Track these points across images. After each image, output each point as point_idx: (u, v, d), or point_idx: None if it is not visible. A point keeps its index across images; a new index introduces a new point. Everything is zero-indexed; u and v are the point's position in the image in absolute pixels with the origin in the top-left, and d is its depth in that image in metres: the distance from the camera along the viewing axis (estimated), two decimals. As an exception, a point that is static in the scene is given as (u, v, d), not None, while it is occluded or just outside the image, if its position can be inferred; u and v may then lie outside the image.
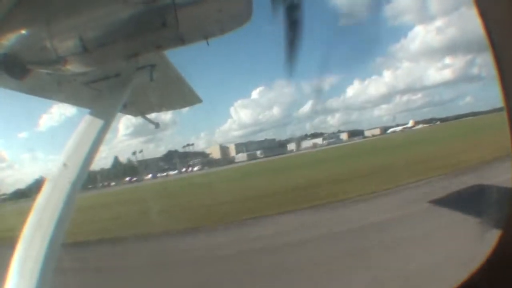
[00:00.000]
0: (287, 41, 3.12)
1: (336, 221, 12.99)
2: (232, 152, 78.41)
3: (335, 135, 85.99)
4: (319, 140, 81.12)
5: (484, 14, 1.90)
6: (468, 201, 9.81)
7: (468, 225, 7.54)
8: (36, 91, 3.70)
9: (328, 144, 77.72)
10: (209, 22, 2.88)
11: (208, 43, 3.04)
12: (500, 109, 2.07)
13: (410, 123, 78.57)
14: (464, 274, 2.13)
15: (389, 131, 78.27)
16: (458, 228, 7.89)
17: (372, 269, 7.25)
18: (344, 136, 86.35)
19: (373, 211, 13.17)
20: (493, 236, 2.06)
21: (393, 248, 7.99)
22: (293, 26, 3.14)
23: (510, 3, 1.74)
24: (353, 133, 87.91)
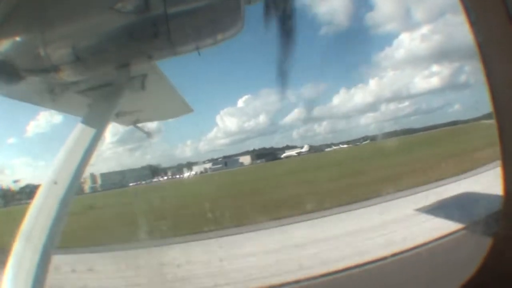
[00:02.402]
0: (281, 48, 3.18)
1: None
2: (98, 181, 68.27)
3: (231, 160, 76.52)
4: (209, 165, 73.15)
5: (474, 22, 1.95)
6: (458, 208, 9.88)
7: (459, 233, 7.59)
8: (29, 98, 3.73)
9: (214, 170, 69.74)
10: (201, 32, 2.92)
11: (199, 54, 3.06)
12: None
13: (305, 148, 72.55)
14: (456, 283, 2.14)
15: (283, 155, 71.59)
16: (449, 236, 7.92)
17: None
18: (246, 159, 77.34)
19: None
20: (485, 244, 2.07)
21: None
22: (287, 34, 3.20)
23: (500, 11, 1.78)
24: (260, 155, 78.36)
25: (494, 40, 1.92)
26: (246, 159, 73.98)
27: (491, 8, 1.87)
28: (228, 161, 71.70)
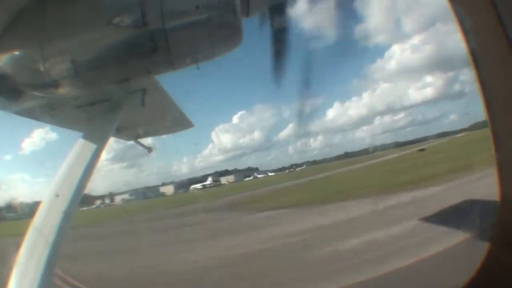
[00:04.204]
0: (273, 58, 3.23)
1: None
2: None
3: (151, 190, 67.69)
4: (126, 195, 63.43)
5: (467, 30, 1.98)
6: (460, 215, 9.83)
7: (459, 239, 7.55)
8: (29, 113, 3.71)
9: (128, 201, 59.71)
10: (200, 46, 2.93)
11: (198, 68, 3.08)
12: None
13: (208, 181, 64.61)
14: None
15: (191, 188, 64.16)
16: (449, 242, 7.88)
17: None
18: (168, 189, 68.94)
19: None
20: (483, 249, 2.08)
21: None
22: (280, 46, 3.25)
23: (493, 18, 1.80)
24: (182, 185, 69.08)
25: (488, 47, 1.93)
26: (168, 189, 68.13)
27: (484, 15, 1.88)
28: (147, 191, 65.01)
